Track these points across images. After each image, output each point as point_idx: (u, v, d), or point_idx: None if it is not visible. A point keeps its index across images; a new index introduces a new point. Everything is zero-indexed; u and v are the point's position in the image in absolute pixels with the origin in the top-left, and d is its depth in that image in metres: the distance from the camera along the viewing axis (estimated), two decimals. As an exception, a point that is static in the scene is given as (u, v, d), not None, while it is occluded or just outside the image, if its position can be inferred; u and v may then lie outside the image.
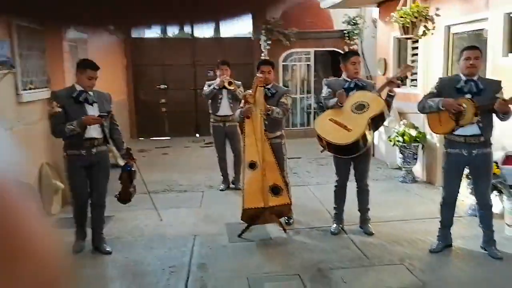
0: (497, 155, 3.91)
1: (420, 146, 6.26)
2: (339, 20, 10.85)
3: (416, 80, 6.40)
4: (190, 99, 11.95)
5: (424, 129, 6.26)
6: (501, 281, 3.38)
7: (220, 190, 6.28)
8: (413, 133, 6.19)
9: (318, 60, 11.19)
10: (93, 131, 3.92)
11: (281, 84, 10.52)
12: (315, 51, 10.89)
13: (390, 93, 4.30)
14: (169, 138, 11.56)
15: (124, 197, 4.29)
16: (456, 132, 3.73)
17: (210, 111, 6.28)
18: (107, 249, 4.11)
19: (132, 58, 11.39)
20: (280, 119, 4.59)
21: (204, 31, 12.32)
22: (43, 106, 5.05)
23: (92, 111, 3.90)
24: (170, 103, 11.72)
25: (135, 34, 11.63)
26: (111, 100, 4.22)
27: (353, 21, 10.42)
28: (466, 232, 4.26)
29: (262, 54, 10.74)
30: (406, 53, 6.90)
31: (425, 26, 4.86)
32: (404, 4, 4.93)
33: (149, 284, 3.50)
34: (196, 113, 12.00)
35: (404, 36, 4.89)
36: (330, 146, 4.29)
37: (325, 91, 4.49)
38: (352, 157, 4.38)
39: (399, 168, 6.90)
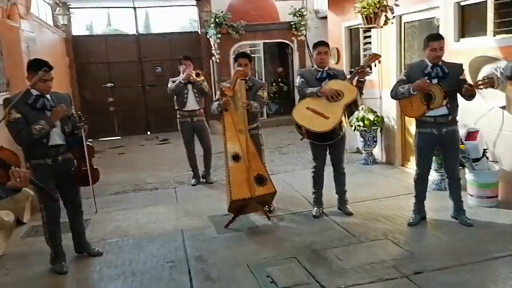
0: (460, 132, 4.29)
1: (379, 129, 6.65)
2: (285, 12, 11.12)
3: (374, 65, 6.74)
4: (138, 97, 11.71)
5: (381, 113, 6.66)
6: (477, 244, 3.75)
7: (192, 185, 6.29)
8: (371, 117, 6.56)
9: (266, 52, 11.39)
10: (58, 137, 3.59)
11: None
12: (263, 43, 11.07)
13: (360, 79, 4.56)
14: (119, 137, 11.26)
15: (79, 175, 3.80)
16: (427, 114, 4.05)
17: (177, 107, 6.25)
18: (97, 250, 4.01)
19: (75, 56, 10.93)
20: (257, 112, 4.71)
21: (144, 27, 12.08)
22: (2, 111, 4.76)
23: None
24: (118, 101, 11.42)
25: (76, 32, 11.19)
26: (72, 101, 3.92)
27: (299, 12, 10.71)
28: (434, 205, 4.63)
29: (213, 48, 10.77)
30: (358, 42, 7.25)
31: (386, 16, 5.18)
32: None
33: (153, 280, 3.49)
34: (146, 111, 11.79)
35: (367, 26, 5.19)
36: (309, 134, 4.48)
37: (298, 81, 4.69)
38: (328, 144, 4.60)
39: (358, 152, 7.29)
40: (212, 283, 3.41)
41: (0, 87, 4.85)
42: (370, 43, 6.85)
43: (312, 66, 4.83)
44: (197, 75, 6.04)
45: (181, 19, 12.59)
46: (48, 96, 3.56)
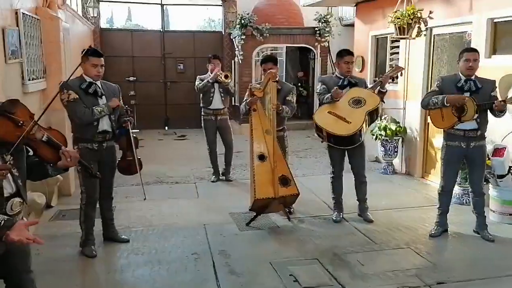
0: (487, 148, 4.31)
1: (401, 139, 6.68)
2: (309, 17, 11.18)
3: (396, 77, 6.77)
4: (159, 92, 11.84)
5: (404, 124, 6.69)
6: (499, 260, 3.77)
7: (212, 181, 6.37)
8: (394, 127, 6.59)
9: (288, 55, 11.45)
10: (106, 125, 3.80)
11: (253, 78, 10.76)
12: (286, 46, 11.14)
13: (381, 90, 4.63)
14: (138, 130, 11.37)
15: (124, 164, 4.02)
16: (456, 127, 4.08)
17: (202, 105, 6.34)
18: (124, 237, 4.12)
19: (101, 48, 11.08)
20: (288, 116, 4.78)
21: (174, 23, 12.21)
22: (41, 97, 4.90)
23: (102, 103, 3.76)
24: (139, 95, 11.54)
25: (103, 24, 11.38)
26: (120, 92, 4.07)
27: (324, 19, 10.76)
28: (456, 219, 4.65)
29: (236, 49, 10.87)
30: (385, 52, 7.29)
31: (419, 28, 5.22)
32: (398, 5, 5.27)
33: (178, 270, 3.57)
34: (165, 106, 11.92)
35: (399, 36, 5.23)
36: (329, 137, 4.53)
37: (320, 87, 4.75)
38: (346, 149, 4.65)
39: (377, 161, 7.32)
40: (236, 277, 3.48)
41: (38, 74, 4.96)
42: (397, 53, 6.89)
43: (333, 73, 4.90)
44: (226, 77, 6.12)
45: (200, 18, 12.69)
46: (98, 83, 3.78)
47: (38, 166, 2.27)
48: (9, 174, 2.06)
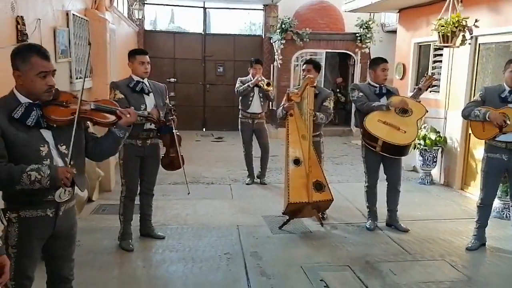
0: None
1: (440, 150, 6.53)
2: (350, 22, 11.10)
3: (437, 86, 6.65)
4: (198, 94, 12.07)
5: (444, 134, 6.54)
6: (539, 278, 3.65)
7: (246, 184, 6.45)
8: (433, 137, 6.45)
9: (327, 61, 11.40)
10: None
11: (291, 83, 10.79)
12: (326, 52, 11.10)
13: (417, 100, 4.54)
14: (176, 130, 11.61)
15: (167, 161, 4.19)
16: (498, 138, 3.96)
17: (240, 107, 6.43)
18: (160, 234, 4.26)
19: (145, 49, 11.42)
20: (323, 123, 4.77)
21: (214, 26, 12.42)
22: (88, 96, 5.14)
23: (149, 100, 3.92)
24: (179, 96, 11.78)
25: (147, 26, 11.72)
26: (167, 91, 4.25)
27: (366, 24, 10.66)
28: (494, 233, 4.51)
29: (276, 53, 10.94)
30: (428, 59, 7.15)
31: (463, 36, 5.11)
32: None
33: (211, 269, 3.65)
34: (203, 108, 12.14)
35: (442, 44, 5.13)
36: (386, 147, 4.39)
37: (357, 94, 4.60)
38: (384, 158, 4.57)
39: (414, 170, 7.19)
40: (267, 279, 3.52)
41: (86, 73, 5.19)
42: (440, 61, 6.75)
43: (366, 81, 4.85)
44: (268, 84, 6.19)
45: (241, 21, 12.85)
46: (146, 81, 3.95)
47: (105, 139, 2.40)
48: (61, 162, 2.18)
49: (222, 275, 3.56)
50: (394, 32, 9.47)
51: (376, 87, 4.60)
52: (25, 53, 2.11)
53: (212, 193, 5.91)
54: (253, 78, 6.20)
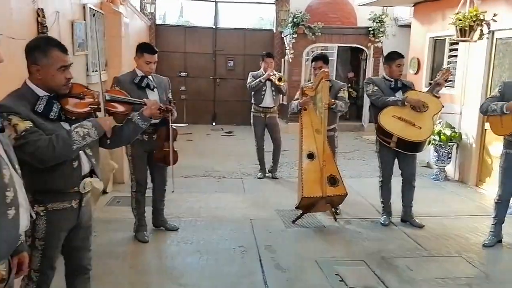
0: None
1: (455, 145, 6.45)
2: (362, 16, 11.00)
3: (452, 81, 6.56)
4: (208, 88, 12.06)
5: (459, 129, 6.46)
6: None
7: (258, 178, 6.43)
8: (448, 132, 6.38)
9: (339, 55, 11.30)
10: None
11: (303, 78, 10.73)
12: (338, 46, 11.01)
13: (436, 95, 4.47)
14: (186, 125, 11.65)
15: (160, 155, 3.99)
16: (517, 134, 3.90)
17: (253, 102, 6.40)
18: (173, 225, 4.26)
19: (156, 44, 11.43)
20: (342, 112, 4.74)
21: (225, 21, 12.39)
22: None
23: (153, 96, 3.80)
24: (189, 90, 11.80)
25: (158, 20, 11.72)
26: (170, 85, 4.14)
27: (379, 18, 10.55)
28: (511, 230, 4.46)
29: (287, 47, 10.88)
30: (443, 54, 7.06)
31: (481, 30, 5.03)
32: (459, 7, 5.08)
33: (226, 261, 3.65)
34: (214, 102, 12.13)
35: (460, 39, 5.05)
36: (400, 143, 4.33)
37: (371, 88, 4.53)
38: (399, 154, 4.52)
39: (428, 166, 7.12)
40: (282, 272, 3.51)
41: (101, 66, 5.21)
42: (455, 56, 6.66)
43: (380, 75, 4.79)
44: (279, 79, 6.15)
45: (252, 16, 12.82)
46: (150, 77, 3.87)
47: (126, 127, 2.41)
48: (83, 153, 2.20)
49: (237, 268, 3.55)
50: (407, 26, 9.38)
51: (391, 81, 4.54)
52: (45, 47, 2.08)
53: (224, 187, 5.90)
54: (265, 72, 6.16)
